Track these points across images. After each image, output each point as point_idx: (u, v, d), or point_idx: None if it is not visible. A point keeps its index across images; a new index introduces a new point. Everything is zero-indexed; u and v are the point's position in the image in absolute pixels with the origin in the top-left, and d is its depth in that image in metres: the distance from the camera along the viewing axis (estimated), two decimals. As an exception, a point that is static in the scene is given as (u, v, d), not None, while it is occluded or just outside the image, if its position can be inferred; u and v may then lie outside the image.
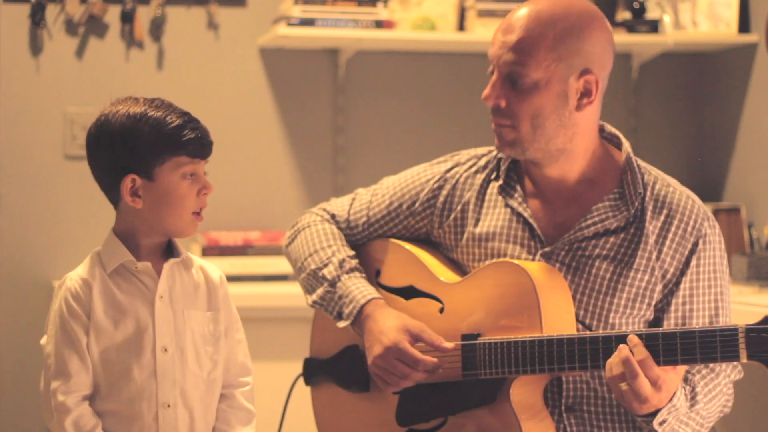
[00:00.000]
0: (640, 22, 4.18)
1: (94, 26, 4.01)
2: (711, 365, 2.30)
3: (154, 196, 2.15)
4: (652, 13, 4.22)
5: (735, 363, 2.33)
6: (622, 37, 4.15)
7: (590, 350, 2.19)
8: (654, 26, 4.17)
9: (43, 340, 2.19)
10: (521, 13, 2.32)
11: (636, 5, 4.20)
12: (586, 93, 2.31)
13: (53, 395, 2.12)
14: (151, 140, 2.12)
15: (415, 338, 2.35)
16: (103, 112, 2.17)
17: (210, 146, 2.19)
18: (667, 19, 4.18)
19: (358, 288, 2.45)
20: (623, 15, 4.25)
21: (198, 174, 2.17)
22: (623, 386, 2.13)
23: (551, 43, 2.27)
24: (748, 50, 4.12)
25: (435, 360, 2.33)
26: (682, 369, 2.16)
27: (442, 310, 2.41)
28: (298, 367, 2.65)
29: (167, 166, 2.14)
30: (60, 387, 2.12)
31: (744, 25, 4.14)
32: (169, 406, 2.16)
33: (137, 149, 2.13)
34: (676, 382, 2.17)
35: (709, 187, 4.31)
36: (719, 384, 2.31)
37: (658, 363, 2.11)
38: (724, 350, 2.08)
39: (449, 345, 2.33)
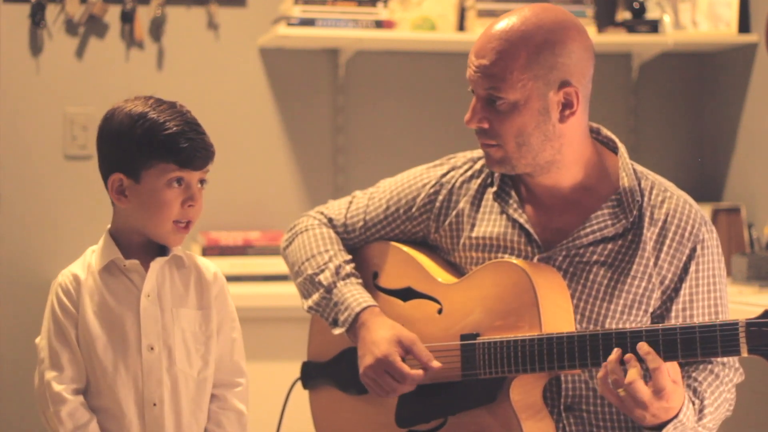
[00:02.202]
0: (640, 22, 4.17)
1: (94, 26, 4.01)
2: (715, 372, 2.31)
3: (139, 199, 2.15)
4: (652, 13, 4.22)
5: (737, 366, 2.34)
6: (622, 37, 4.15)
7: (590, 348, 2.18)
8: (654, 26, 4.17)
9: (38, 339, 2.20)
10: (493, 32, 2.28)
11: (636, 5, 4.20)
12: (567, 105, 2.28)
13: (48, 386, 2.13)
14: (142, 143, 2.12)
15: (407, 351, 2.35)
16: (113, 106, 2.19)
17: (206, 159, 2.16)
18: (667, 19, 4.18)
19: (353, 295, 2.45)
20: (623, 15, 4.25)
21: (188, 184, 2.16)
22: (621, 392, 2.13)
23: (525, 63, 2.24)
24: (748, 50, 4.12)
25: (422, 373, 2.33)
26: (677, 373, 2.16)
27: (440, 311, 2.40)
28: (297, 368, 2.65)
29: (154, 171, 2.13)
30: (55, 378, 2.13)
31: (744, 25, 4.14)
32: (155, 404, 2.16)
33: (127, 149, 2.13)
34: (681, 395, 2.16)
35: (709, 187, 4.31)
36: (723, 392, 2.31)
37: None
38: (725, 344, 2.07)
39: (437, 364, 2.33)
